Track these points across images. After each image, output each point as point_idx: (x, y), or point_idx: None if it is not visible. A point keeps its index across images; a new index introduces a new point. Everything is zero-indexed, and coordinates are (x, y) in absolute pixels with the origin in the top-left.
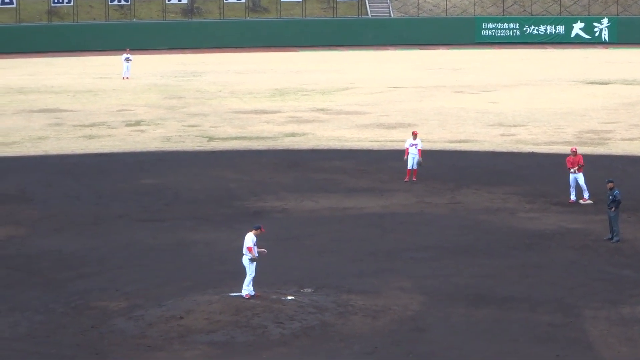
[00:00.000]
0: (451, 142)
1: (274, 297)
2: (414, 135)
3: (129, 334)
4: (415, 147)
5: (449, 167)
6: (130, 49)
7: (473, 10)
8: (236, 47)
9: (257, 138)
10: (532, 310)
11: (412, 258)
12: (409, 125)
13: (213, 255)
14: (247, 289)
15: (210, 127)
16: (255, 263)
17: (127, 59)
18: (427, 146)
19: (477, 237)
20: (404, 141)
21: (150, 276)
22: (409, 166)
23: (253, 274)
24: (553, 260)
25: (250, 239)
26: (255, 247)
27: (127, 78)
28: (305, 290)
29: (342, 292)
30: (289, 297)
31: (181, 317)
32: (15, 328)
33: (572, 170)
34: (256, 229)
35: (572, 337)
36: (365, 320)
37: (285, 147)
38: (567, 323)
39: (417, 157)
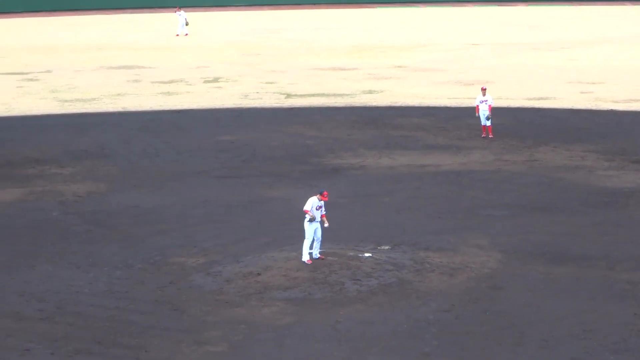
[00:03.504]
0: (529, 99)
1: (351, 254)
2: (483, 91)
3: (207, 290)
4: (486, 104)
5: (527, 125)
6: (180, 7)
7: None
8: (313, 4)
9: (335, 95)
10: (610, 268)
11: (490, 215)
12: (487, 82)
13: (290, 212)
14: (304, 254)
15: (288, 83)
16: (313, 226)
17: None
18: (505, 103)
19: (555, 195)
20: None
21: (228, 232)
22: (482, 122)
23: (310, 238)
24: (631, 218)
25: (310, 203)
26: (315, 210)
27: (185, 34)
28: (382, 247)
29: (419, 249)
30: (366, 254)
31: (259, 274)
32: (94, 284)
33: None
34: (320, 194)
35: None
36: (443, 278)
37: (362, 104)
38: None
39: (487, 113)
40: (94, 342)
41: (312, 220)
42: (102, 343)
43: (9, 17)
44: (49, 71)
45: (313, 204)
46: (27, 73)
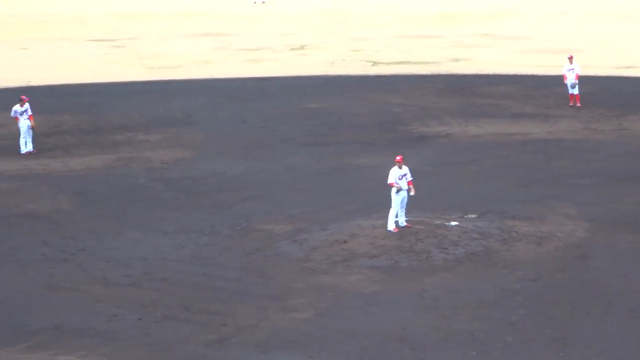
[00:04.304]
0: (617, 67)
1: (437, 222)
2: (570, 59)
3: (293, 257)
4: (573, 72)
5: (615, 93)
6: None
7: None
8: None
9: (421, 63)
10: None
11: (578, 185)
12: (575, 50)
13: (377, 179)
14: (389, 223)
15: (374, 51)
16: (401, 196)
17: None
18: (593, 72)
19: None
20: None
21: (315, 200)
22: (570, 91)
23: (397, 208)
24: None
25: (392, 174)
26: (398, 180)
27: (254, 2)
28: (469, 216)
29: (506, 218)
30: (453, 223)
31: (345, 241)
32: (181, 250)
33: None
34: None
35: None
36: (530, 247)
37: (449, 72)
38: None
39: (574, 81)
40: (181, 307)
41: (399, 190)
42: (189, 309)
43: None
44: (135, 38)
45: (395, 175)
46: (113, 40)
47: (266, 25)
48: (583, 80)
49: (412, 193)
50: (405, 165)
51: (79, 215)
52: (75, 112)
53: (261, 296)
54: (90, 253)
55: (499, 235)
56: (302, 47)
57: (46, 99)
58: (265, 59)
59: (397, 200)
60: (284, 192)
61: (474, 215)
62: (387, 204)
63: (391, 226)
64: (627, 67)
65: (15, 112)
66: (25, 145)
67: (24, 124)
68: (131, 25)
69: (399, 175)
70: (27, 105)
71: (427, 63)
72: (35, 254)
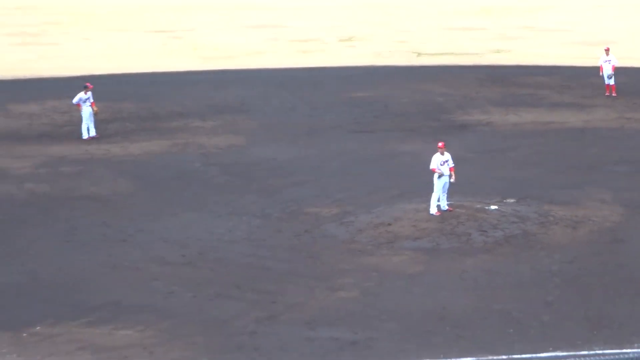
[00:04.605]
0: None
1: (478, 206)
2: (607, 51)
3: (340, 238)
4: (609, 63)
5: None
6: None
7: None
8: None
9: (464, 54)
10: None
11: (613, 171)
12: (611, 42)
13: (420, 165)
14: (432, 207)
15: (419, 42)
16: (442, 181)
17: None
18: (630, 63)
19: None
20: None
21: (360, 184)
22: (606, 81)
23: (439, 192)
24: None
25: (434, 160)
26: (440, 166)
27: None
28: (508, 200)
29: (543, 202)
30: (493, 207)
31: (389, 224)
32: (234, 232)
33: None
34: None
35: None
36: (566, 230)
37: (490, 63)
38: None
39: (610, 72)
40: (233, 286)
41: (441, 175)
42: (241, 287)
43: None
44: (192, 30)
45: (438, 161)
46: (171, 31)
47: (316, 17)
48: (619, 71)
49: (452, 180)
50: (448, 151)
51: (138, 198)
52: (134, 100)
53: (309, 276)
54: (147, 233)
55: (536, 219)
56: (350, 39)
57: (107, 87)
58: (315, 50)
59: (439, 185)
60: (331, 177)
61: (512, 200)
62: (430, 189)
63: (433, 210)
64: None
65: (80, 99)
66: (88, 131)
67: (87, 110)
68: (188, 17)
69: (441, 162)
70: (90, 92)
71: (470, 54)
72: (96, 234)
